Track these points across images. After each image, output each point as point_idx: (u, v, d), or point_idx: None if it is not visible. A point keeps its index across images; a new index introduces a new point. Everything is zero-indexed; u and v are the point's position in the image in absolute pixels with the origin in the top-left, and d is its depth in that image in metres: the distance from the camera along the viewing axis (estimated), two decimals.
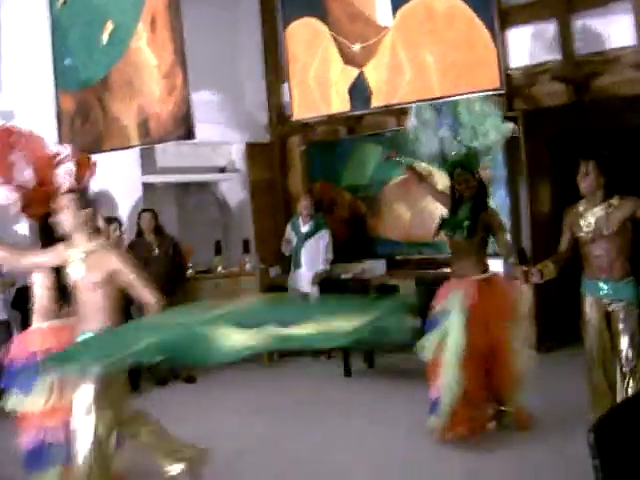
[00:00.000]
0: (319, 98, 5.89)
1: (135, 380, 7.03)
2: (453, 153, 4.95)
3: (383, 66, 5.58)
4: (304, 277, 7.74)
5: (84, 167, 4.18)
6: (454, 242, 4.86)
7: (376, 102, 5.68)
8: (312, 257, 7.75)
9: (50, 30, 6.51)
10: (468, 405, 4.55)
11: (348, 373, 6.76)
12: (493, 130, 4.90)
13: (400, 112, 7.20)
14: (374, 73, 5.64)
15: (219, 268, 8.05)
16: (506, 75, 6.30)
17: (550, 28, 6.78)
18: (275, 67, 8.72)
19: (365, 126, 8.08)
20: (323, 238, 7.75)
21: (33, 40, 6.93)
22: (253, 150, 8.88)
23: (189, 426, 4.82)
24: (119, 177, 7.72)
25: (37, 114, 6.68)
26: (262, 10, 8.86)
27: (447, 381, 4.48)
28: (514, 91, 6.98)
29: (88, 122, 6.36)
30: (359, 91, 5.74)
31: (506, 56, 6.82)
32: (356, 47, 5.74)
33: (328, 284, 7.55)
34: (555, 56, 6.77)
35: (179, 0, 5.86)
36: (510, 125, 5.00)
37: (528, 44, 6.99)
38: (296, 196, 8.57)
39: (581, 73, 6.68)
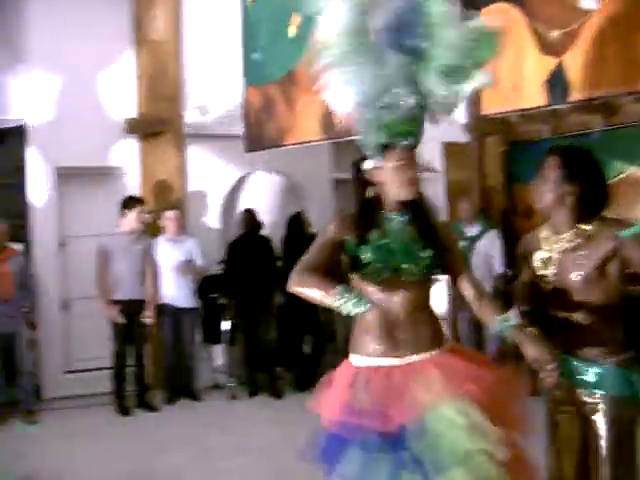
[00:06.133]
0: (511, 91, 5.31)
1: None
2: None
3: (585, 55, 4.90)
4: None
5: None
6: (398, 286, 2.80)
7: (576, 95, 4.99)
8: (484, 260, 7.12)
9: (242, 25, 6.55)
10: None
11: None
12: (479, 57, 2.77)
13: (607, 109, 6.46)
14: (574, 63, 4.97)
15: None
16: None
17: None
18: None
19: (571, 124, 7.33)
20: (495, 238, 7.10)
21: (224, 36, 7.07)
22: (450, 150, 8.47)
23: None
24: (308, 171, 7.70)
25: (226, 109, 6.81)
26: None
27: None
28: None
29: (273, 116, 6.30)
30: (557, 83, 5.08)
31: None
32: (555, 34, 5.10)
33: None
34: None
35: None
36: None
37: None
38: (492, 199, 8.09)
39: None
